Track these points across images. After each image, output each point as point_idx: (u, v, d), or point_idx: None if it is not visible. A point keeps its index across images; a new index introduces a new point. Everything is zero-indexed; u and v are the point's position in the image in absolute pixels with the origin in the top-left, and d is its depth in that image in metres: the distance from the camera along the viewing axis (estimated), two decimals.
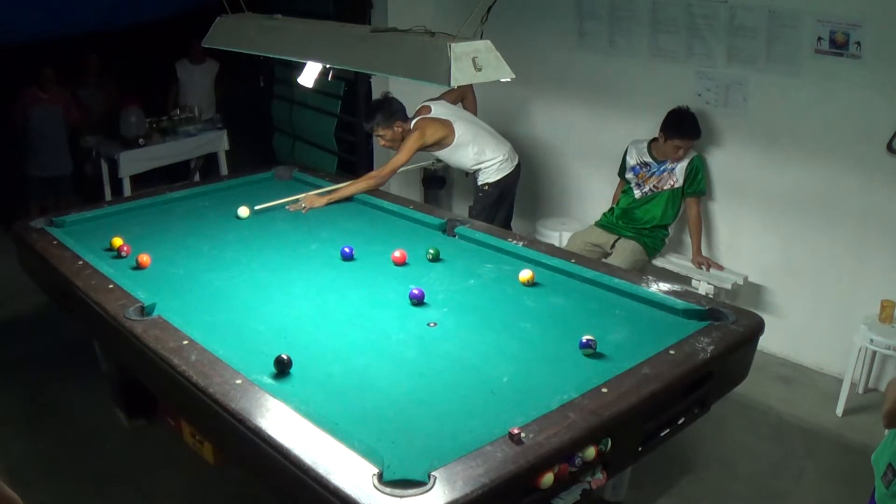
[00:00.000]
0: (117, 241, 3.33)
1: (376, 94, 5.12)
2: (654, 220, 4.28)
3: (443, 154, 4.36)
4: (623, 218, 4.36)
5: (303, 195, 4.01)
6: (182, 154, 6.14)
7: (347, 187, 4.06)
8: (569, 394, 2.19)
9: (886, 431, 2.21)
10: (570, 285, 3.06)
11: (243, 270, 3.20)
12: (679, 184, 4.21)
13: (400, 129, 4.20)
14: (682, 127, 4.12)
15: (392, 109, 4.20)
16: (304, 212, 3.89)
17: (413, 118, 4.25)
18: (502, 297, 2.97)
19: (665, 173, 4.21)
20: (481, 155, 4.29)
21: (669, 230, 4.37)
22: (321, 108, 5.98)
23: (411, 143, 4.11)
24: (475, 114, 4.56)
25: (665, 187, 4.23)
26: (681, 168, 4.18)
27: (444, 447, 1.97)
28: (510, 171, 4.37)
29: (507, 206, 4.46)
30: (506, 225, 4.40)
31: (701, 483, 3.19)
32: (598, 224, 4.46)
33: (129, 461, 3.26)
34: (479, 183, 4.38)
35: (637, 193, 4.32)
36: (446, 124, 4.22)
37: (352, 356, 2.52)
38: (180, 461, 3.18)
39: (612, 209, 4.49)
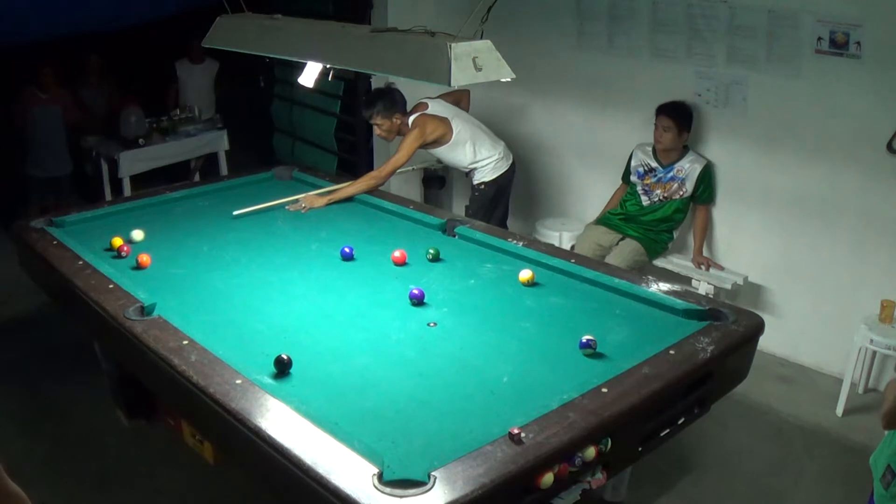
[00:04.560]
0: (117, 242, 3.33)
1: None
2: (662, 223, 4.30)
3: (439, 152, 4.35)
4: (629, 221, 4.36)
5: (302, 195, 4.01)
6: (182, 154, 6.15)
7: (347, 188, 4.06)
8: (569, 394, 2.19)
9: (886, 432, 2.21)
10: (570, 285, 3.06)
11: (243, 270, 3.20)
12: (689, 193, 4.22)
13: (398, 122, 4.19)
14: (668, 106, 4.14)
15: (394, 100, 4.18)
16: (303, 212, 3.89)
17: (410, 114, 4.23)
18: (502, 297, 2.97)
19: (675, 183, 4.21)
20: (477, 154, 4.29)
21: (674, 234, 4.38)
22: (321, 108, 5.98)
23: (411, 142, 4.09)
24: None
25: (675, 197, 4.24)
26: (691, 178, 4.18)
27: (444, 447, 1.97)
28: (505, 169, 4.38)
29: (503, 204, 4.46)
30: (502, 224, 4.40)
31: (701, 483, 3.19)
32: (602, 221, 4.46)
33: (129, 461, 3.26)
34: (475, 182, 4.38)
35: (645, 200, 4.32)
36: (444, 122, 4.21)
37: (352, 356, 2.52)
38: (180, 461, 3.18)
39: (614, 212, 4.48)
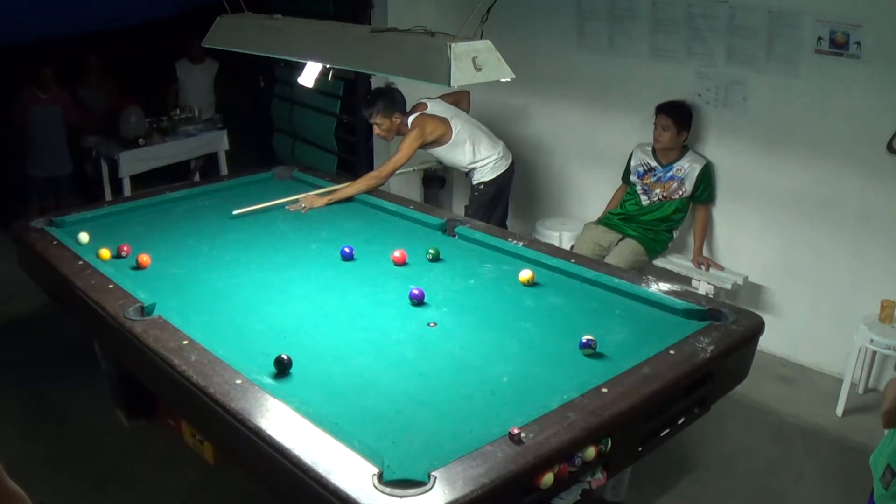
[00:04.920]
0: (105, 253, 3.22)
1: None
2: (661, 222, 4.30)
3: (439, 152, 4.35)
4: (629, 221, 4.36)
5: (302, 195, 4.01)
6: (182, 154, 6.15)
7: (347, 188, 4.06)
8: (569, 394, 2.19)
9: (886, 431, 2.21)
10: (570, 285, 3.06)
11: (243, 270, 3.20)
12: (688, 192, 4.22)
13: (398, 121, 4.19)
14: (667, 105, 4.15)
15: (394, 99, 4.18)
16: (303, 212, 3.89)
17: (410, 114, 4.23)
18: (502, 297, 2.97)
19: (675, 182, 4.21)
20: (477, 153, 4.29)
21: (674, 234, 4.38)
22: (321, 108, 5.98)
23: (411, 142, 4.09)
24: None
25: (675, 197, 4.24)
26: (690, 177, 4.19)
27: (444, 447, 1.97)
28: (505, 169, 4.38)
29: (502, 204, 4.46)
30: (501, 223, 4.40)
31: (701, 483, 3.19)
32: (603, 222, 4.46)
33: (129, 461, 3.26)
34: (475, 182, 4.38)
35: (644, 200, 4.32)
36: (444, 122, 4.21)
37: (352, 356, 2.52)
38: (180, 461, 3.18)
39: (613, 211, 4.48)
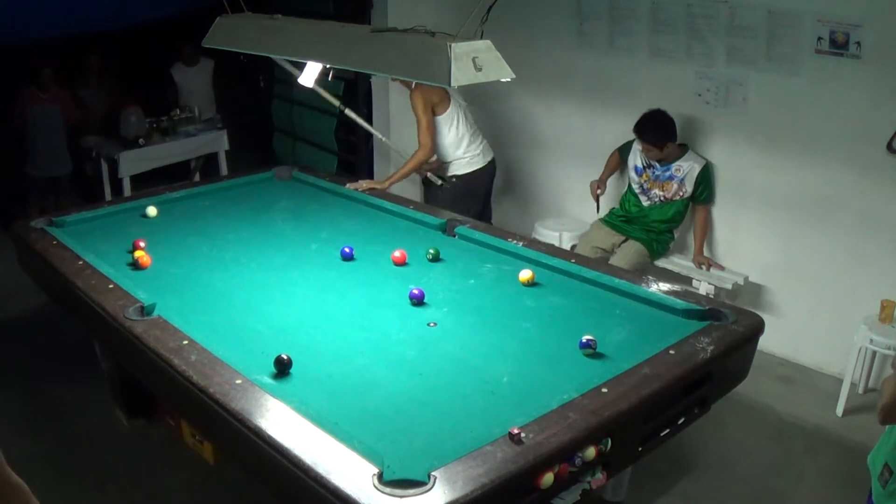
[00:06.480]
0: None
1: (376, 94, 5.12)
2: (663, 223, 4.30)
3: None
4: (631, 223, 4.36)
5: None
6: (182, 154, 6.14)
7: (405, 167, 4.26)
8: (569, 394, 2.19)
9: (886, 428, 2.21)
10: (570, 285, 3.06)
11: (243, 270, 3.20)
12: (689, 193, 4.22)
13: None
14: (639, 130, 4.15)
15: None
16: (360, 189, 4.05)
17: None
18: (502, 297, 2.97)
19: (674, 183, 4.21)
20: (460, 140, 4.34)
21: (675, 234, 4.38)
22: (321, 108, 5.97)
23: (422, 108, 4.21)
24: None
25: (675, 198, 4.23)
26: (690, 177, 4.18)
27: (444, 447, 1.97)
28: (481, 166, 4.40)
29: (476, 204, 4.47)
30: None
31: (701, 483, 3.19)
32: (605, 221, 4.46)
33: (129, 461, 3.26)
34: (448, 174, 4.40)
35: (645, 201, 4.31)
36: (443, 92, 4.27)
37: (352, 356, 2.52)
38: (180, 461, 3.18)
39: (613, 209, 4.48)
